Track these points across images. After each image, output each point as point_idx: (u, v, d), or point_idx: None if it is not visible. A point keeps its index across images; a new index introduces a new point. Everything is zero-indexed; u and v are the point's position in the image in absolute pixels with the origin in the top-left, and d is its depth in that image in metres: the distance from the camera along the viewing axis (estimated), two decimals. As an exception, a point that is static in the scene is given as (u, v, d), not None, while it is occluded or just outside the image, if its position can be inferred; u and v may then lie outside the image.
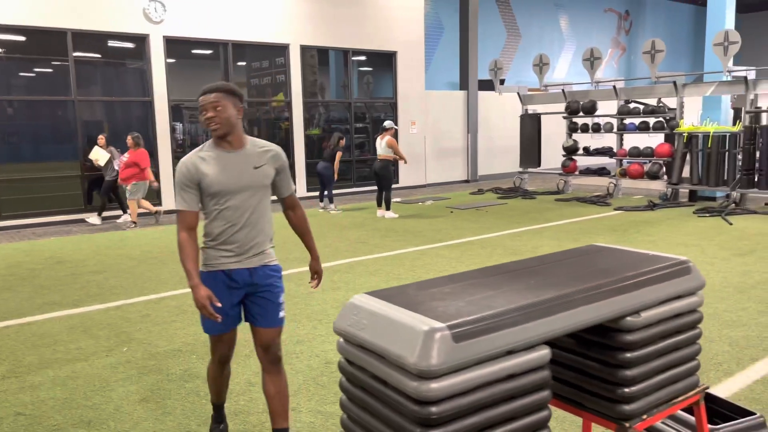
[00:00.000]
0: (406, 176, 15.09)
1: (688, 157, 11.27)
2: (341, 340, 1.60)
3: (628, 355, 1.70)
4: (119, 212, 10.86)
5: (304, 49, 13.50)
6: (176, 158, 11.70)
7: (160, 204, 11.50)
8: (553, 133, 15.59)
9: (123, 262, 7.50)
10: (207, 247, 2.83)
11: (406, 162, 10.82)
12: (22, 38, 10.53)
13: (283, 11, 13.03)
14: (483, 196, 13.38)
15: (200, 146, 2.82)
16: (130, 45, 11.55)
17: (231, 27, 12.36)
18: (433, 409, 1.34)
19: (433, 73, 17.89)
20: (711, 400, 2.51)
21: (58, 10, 10.50)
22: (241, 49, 13.02)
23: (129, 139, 10.01)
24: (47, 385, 3.97)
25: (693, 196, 11.64)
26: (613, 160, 13.18)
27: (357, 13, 14.13)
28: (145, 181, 10.14)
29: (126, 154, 10.08)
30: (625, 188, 13.16)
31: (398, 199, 12.04)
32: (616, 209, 10.91)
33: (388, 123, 10.43)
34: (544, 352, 1.49)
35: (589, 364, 1.79)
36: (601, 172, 12.99)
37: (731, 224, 9.12)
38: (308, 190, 13.78)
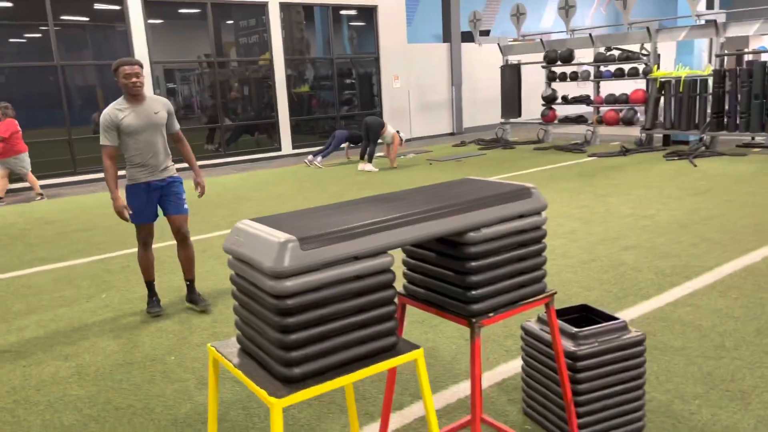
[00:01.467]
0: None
1: (663, 102, 11.49)
2: (230, 257, 1.97)
3: (473, 263, 2.07)
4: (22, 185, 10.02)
5: (286, 7, 13.58)
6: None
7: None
8: (536, 83, 15.73)
9: (109, 220, 7.89)
10: (131, 169, 4.23)
11: (392, 162, 11.35)
12: (8, 4, 10.68)
13: (261, -31, 13.07)
14: (465, 148, 13.65)
15: (116, 101, 4.16)
16: (111, 7, 11.68)
17: (209, -13, 12.44)
18: (289, 302, 1.72)
19: (418, 25, 17.90)
20: (590, 311, 2.91)
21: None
22: (226, 8, 13.11)
23: None
24: (32, 327, 4.40)
25: (667, 141, 11.90)
26: (591, 108, 13.39)
27: (335, -32, 14.13)
28: (22, 153, 9.42)
29: None
30: (603, 135, 13.39)
31: (381, 154, 12.33)
32: (590, 156, 11.20)
33: (403, 135, 11.83)
34: (387, 259, 1.87)
35: (448, 273, 2.16)
36: (579, 120, 13.21)
37: (696, 166, 9.43)
38: (294, 147, 14.05)
